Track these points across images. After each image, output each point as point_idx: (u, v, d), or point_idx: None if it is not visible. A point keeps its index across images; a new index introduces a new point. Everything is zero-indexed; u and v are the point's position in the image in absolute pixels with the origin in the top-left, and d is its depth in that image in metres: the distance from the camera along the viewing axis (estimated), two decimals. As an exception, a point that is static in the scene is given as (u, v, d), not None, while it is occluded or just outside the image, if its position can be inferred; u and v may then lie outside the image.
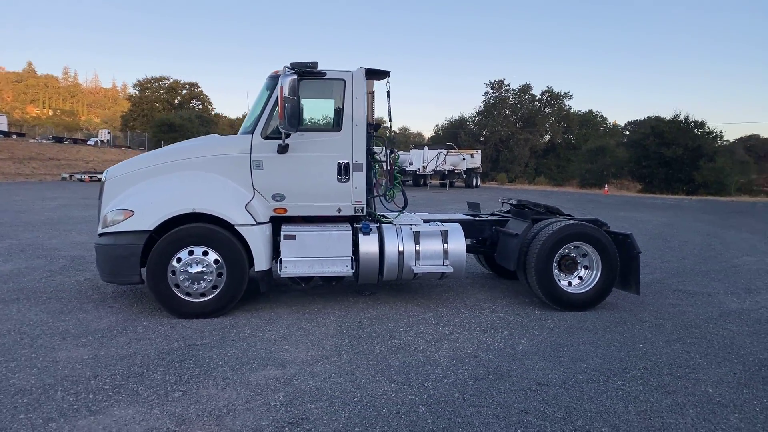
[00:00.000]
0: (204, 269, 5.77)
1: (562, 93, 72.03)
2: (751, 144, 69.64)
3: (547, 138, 71.23)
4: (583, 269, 6.57)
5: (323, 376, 4.39)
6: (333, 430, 3.52)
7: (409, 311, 6.30)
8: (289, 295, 6.91)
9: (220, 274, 5.83)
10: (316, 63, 6.12)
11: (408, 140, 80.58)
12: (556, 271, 6.37)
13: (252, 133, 6.10)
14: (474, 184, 41.39)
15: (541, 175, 60.90)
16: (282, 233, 6.03)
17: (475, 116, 72.64)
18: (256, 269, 5.95)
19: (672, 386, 4.29)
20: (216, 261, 5.81)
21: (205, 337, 5.25)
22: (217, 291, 5.84)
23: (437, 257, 6.33)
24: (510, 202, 7.77)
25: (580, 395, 4.09)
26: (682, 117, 40.02)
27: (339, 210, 6.30)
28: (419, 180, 39.69)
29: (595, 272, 6.47)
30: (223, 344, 5.07)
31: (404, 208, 6.79)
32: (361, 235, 6.24)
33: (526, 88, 71.05)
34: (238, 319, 5.87)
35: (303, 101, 6.18)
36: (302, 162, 6.12)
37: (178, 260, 5.77)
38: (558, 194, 35.42)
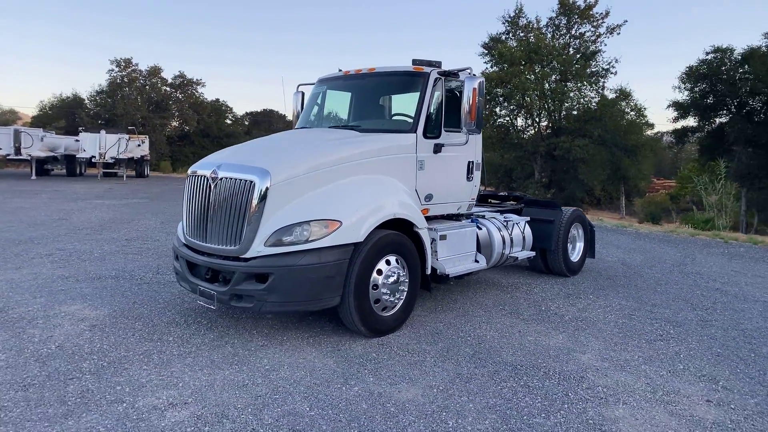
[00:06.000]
0: (398, 278, 5.34)
1: (194, 80, 71.42)
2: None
3: (175, 124, 69.67)
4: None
5: (658, 360, 4.98)
6: None
7: (505, 300, 7.13)
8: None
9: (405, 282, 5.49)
10: (440, 62, 6.24)
11: (-2, 118, 65.49)
12: (561, 246, 8.25)
13: (414, 132, 5.78)
14: (145, 173, 37.97)
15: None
16: (438, 233, 5.98)
17: (96, 95, 65.25)
18: (428, 272, 5.79)
19: (749, 313, 6.84)
20: (403, 268, 5.44)
21: (459, 350, 5.09)
22: (403, 300, 5.48)
23: (520, 244, 7.34)
24: (500, 194, 9.18)
25: (731, 324, 6.20)
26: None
27: (459, 207, 6.59)
28: (74, 169, 33.94)
29: (579, 244, 8.64)
30: (497, 354, 5.08)
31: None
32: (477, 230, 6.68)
33: (156, 71, 67.66)
34: (414, 330, 5.66)
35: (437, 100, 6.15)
36: (447, 161, 6.17)
37: (379, 272, 5.17)
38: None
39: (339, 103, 6.74)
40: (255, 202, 4.76)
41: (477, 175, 6.64)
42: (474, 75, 5.79)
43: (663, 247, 12.12)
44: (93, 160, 32.00)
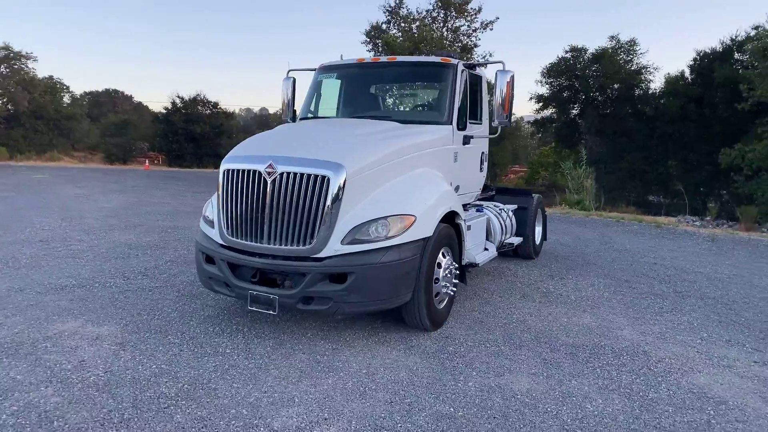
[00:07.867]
0: (451, 270, 5.38)
1: (23, 53, 62.53)
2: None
3: (-1, 103, 60.58)
4: (526, 227, 9.25)
5: (684, 331, 5.72)
6: None
7: (505, 285, 7.46)
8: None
9: (449, 274, 5.53)
10: (458, 54, 6.32)
11: None
12: (528, 230, 8.83)
13: (450, 124, 5.77)
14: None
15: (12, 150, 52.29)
16: (466, 223, 6.07)
17: None
18: (463, 263, 5.87)
19: (701, 284, 7.89)
20: (453, 260, 5.49)
21: (520, 336, 5.28)
22: (452, 292, 5.52)
23: (510, 231, 7.69)
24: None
25: (700, 294, 7.15)
26: (202, 96, 43.60)
27: (471, 198, 6.73)
28: None
29: (538, 229, 9.28)
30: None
31: None
32: (481, 219, 6.89)
33: (-29, 41, 58.11)
34: (458, 322, 5.76)
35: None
36: (470, 153, 6.28)
37: (438, 265, 5.17)
38: (97, 171, 32.65)
39: (348, 92, 6.47)
40: (330, 198, 4.46)
41: (485, 165, 6.85)
42: (506, 69, 5.91)
43: (575, 227, 13.40)
44: None
